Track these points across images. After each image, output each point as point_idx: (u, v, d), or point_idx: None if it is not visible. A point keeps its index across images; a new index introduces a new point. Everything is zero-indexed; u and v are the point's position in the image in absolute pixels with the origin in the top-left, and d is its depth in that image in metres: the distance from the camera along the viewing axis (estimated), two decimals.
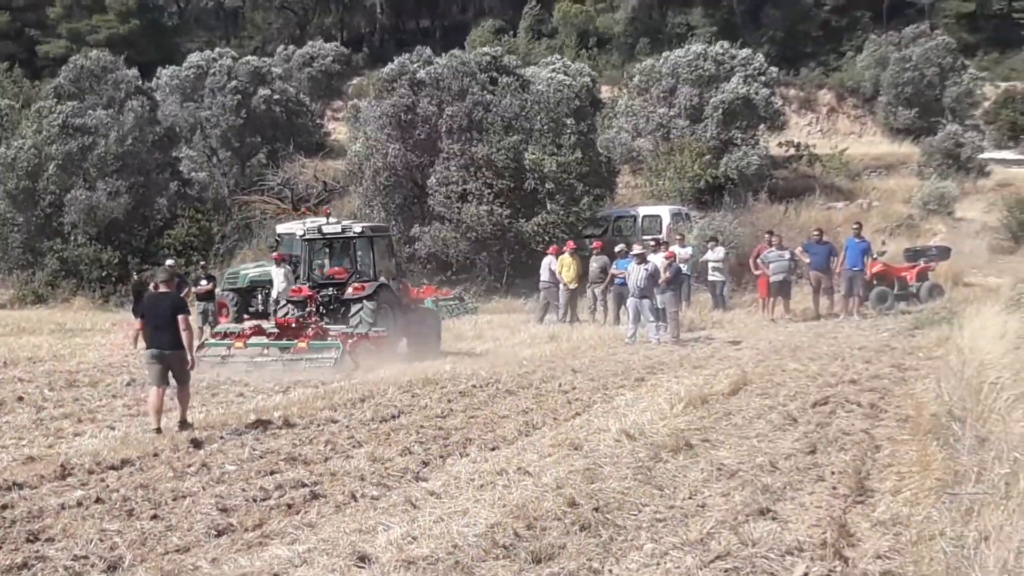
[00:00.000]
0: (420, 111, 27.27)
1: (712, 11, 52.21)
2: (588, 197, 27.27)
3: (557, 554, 5.99)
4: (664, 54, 34.80)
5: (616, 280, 20.08)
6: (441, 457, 8.76)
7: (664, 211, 27.20)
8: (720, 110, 31.62)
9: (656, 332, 17.56)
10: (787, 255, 20.85)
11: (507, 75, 28.55)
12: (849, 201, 32.84)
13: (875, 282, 21.24)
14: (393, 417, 10.75)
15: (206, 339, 16.53)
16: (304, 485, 7.74)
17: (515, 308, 24.52)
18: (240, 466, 8.46)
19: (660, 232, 25.27)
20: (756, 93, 32.01)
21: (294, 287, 17.51)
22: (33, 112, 31.71)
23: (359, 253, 17.51)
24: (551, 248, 22.56)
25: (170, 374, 10.31)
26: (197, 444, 9.35)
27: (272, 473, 8.23)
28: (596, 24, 52.85)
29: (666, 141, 32.04)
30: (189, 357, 10.37)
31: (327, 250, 17.71)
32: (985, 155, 36.18)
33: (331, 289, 16.67)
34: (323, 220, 18.13)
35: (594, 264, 21.44)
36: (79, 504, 7.26)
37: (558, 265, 21.32)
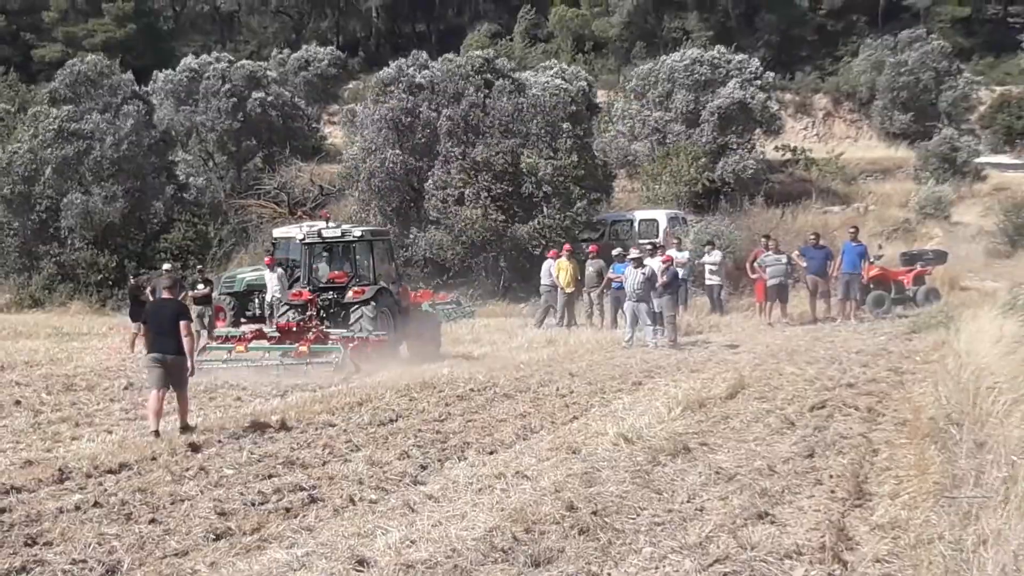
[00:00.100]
0: (420, 115, 27.27)
1: (708, 16, 52.34)
2: (584, 201, 27.29)
3: (555, 558, 5.99)
4: (660, 58, 34.89)
5: (613, 284, 20.08)
6: (439, 461, 8.75)
7: (661, 215, 27.20)
8: (716, 114, 31.70)
9: (653, 336, 17.56)
10: (784, 259, 20.84)
11: (501, 77, 28.55)
12: (845, 205, 32.94)
13: (872, 286, 21.23)
14: (391, 421, 10.75)
15: (207, 343, 16.52)
16: (302, 489, 7.74)
17: (512, 312, 24.48)
18: (238, 470, 8.45)
19: (657, 236, 25.24)
20: (752, 97, 32.11)
21: (293, 291, 17.47)
22: (29, 116, 31.60)
23: (359, 257, 17.51)
24: (551, 251, 22.55)
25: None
26: (195, 448, 9.35)
27: (270, 477, 8.22)
28: (592, 28, 52.92)
29: (662, 145, 32.08)
30: (189, 363, 10.39)
31: (327, 254, 17.71)
32: (981, 159, 36.32)
33: (331, 293, 16.68)
34: (323, 224, 18.11)
35: (590, 268, 21.43)
36: (77, 508, 7.26)
37: (555, 269, 21.33)
